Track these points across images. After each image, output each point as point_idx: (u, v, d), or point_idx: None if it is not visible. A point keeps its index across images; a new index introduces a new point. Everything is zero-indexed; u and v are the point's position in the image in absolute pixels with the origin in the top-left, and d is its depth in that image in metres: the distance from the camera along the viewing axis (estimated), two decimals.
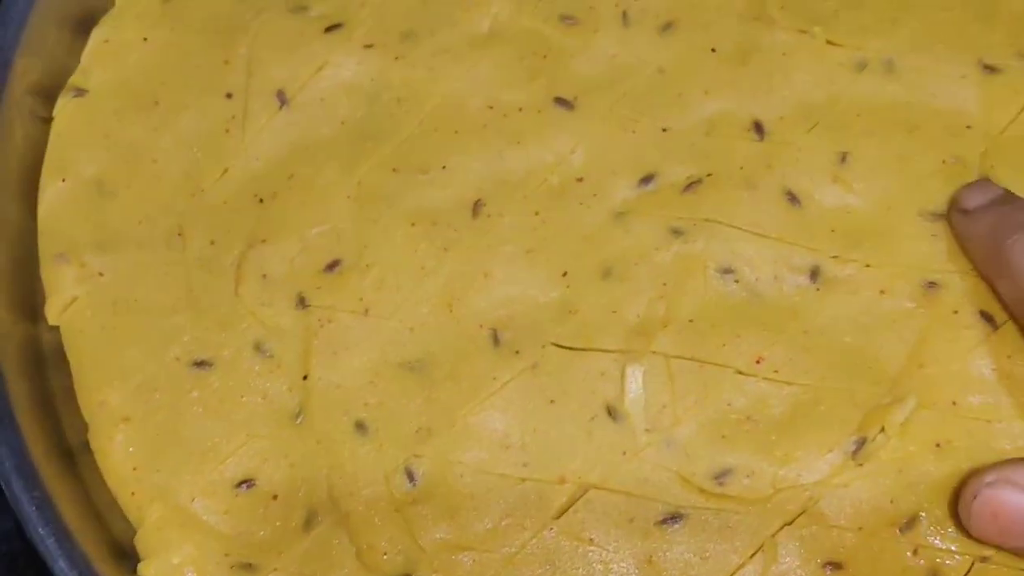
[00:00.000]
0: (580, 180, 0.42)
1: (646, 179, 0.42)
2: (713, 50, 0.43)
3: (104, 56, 0.46)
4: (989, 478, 0.36)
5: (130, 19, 0.47)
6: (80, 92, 0.46)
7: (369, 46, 0.45)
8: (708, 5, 0.44)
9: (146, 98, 0.45)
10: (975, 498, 0.36)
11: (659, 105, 0.43)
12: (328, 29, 0.45)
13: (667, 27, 0.44)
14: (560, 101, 0.43)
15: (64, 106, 0.45)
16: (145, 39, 0.46)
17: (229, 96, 0.45)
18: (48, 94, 0.46)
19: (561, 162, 0.43)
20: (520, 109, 0.43)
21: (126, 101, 0.45)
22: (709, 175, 0.42)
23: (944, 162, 0.41)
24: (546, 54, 0.44)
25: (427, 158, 0.43)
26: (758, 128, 0.42)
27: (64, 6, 0.46)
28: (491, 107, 0.44)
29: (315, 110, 0.44)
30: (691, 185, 0.42)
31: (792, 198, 0.41)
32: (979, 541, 0.37)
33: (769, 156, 0.42)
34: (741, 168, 0.42)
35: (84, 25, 0.47)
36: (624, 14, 0.44)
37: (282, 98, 0.44)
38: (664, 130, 0.43)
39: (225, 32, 0.46)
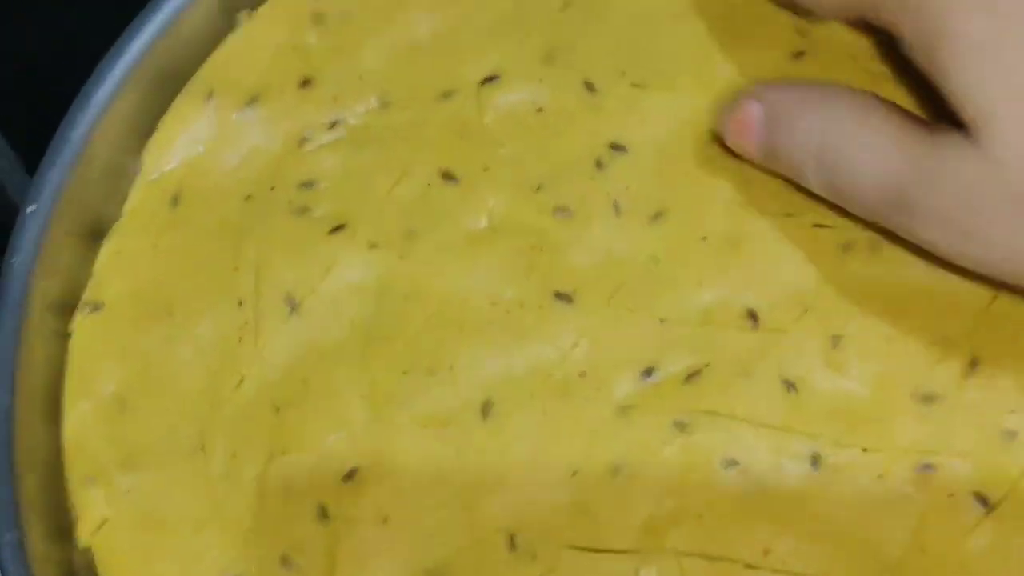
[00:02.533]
0: (583, 375, 0.43)
1: (647, 372, 0.43)
2: (704, 238, 0.44)
3: (116, 267, 0.47)
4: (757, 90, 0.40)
5: (139, 227, 0.47)
6: (96, 307, 0.46)
7: (374, 246, 0.45)
8: (697, 193, 0.44)
9: (160, 308, 0.46)
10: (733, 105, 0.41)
11: (655, 296, 0.43)
12: (333, 230, 0.46)
13: (657, 216, 0.44)
14: (560, 295, 0.44)
15: (81, 322, 0.46)
16: (155, 247, 0.47)
17: (240, 303, 0.45)
18: (66, 310, 0.46)
19: (564, 357, 0.43)
20: (521, 305, 0.44)
21: (141, 312, 0.46)
22: (707, 365, 0.42)
23: (933, 342, 0.42)
24: (543, 247, 0.45)
25: (435, 358, 0.44)
26: (752, 316, 0.43)
27: (76, 220, 0.46)
28: (494, 303, 0.44)
29: (325, 313, 0.45)
30: (691, 376, 0.42)
31: (789, 385, 0.42)
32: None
33: (764, 344, 0.42)
34: (738, 358, 0.42)
35: (97, 236, 0.47)
36: (615, 204, 0.45)
37: (292, 303, 0.45)
38: (662, 321, 0.43)
39: (233, 236, 0.46)
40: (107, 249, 0.47)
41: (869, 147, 0.39)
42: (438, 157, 0.46)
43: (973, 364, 0.41)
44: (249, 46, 0.49)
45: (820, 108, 0.40)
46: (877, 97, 0.41)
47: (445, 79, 0.47)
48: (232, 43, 0.49)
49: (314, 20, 0.49)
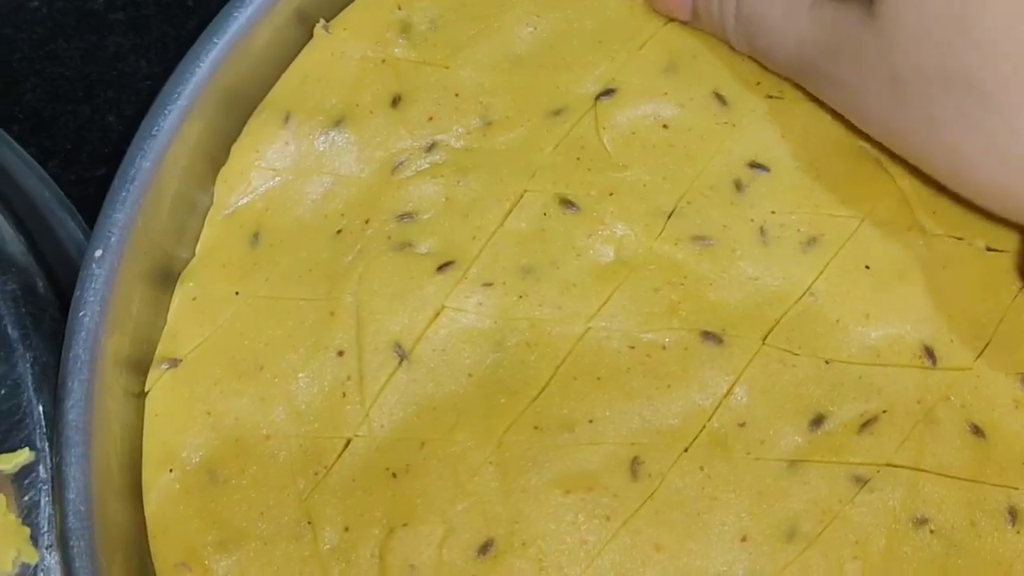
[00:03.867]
0: (743, 426, 0.38)
1: (816, 420, 0.38)
2: (867, 267, 0.39)
3: (194, 316, 0.41)
4: None
5: (216, 270, 0.41)
6: (173, 363, 0.40)
7: (488, 284, 0.40)
8: (853, 214, 0.39)
9: (248, 363, 0.40)
10: None
11: (817, 334, 0.38)
12: (440, 268, 0.40)
13: (811, 243, 0.39)
14: (708, 335, 0.39)
15: (157, 380, 0.40)
16: (237, 293, 0.41)
17: (341, 354, 0.40)
18: (139, 366, 0.40)
19: (718, 406, 0.38)
20: (664, 347, 0.39)
21: (226, 369, 0.40)
22: (884, 411, 0.37)
23: None
24: (683, 282, 0.39)
25: (571, 412, 0.38)
26: (929, 353, 0.38)
27: (146, 263, 0.40)
28: (632, 347, 0.39)
29: (438, 363, 0.39)
30: (866, 424, 0.37)
31: (976, 431, 0.37)
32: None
33: (945, 384, 0.38)
34: (918, 402, 0.37)
35: (169, 280, 0.41)
36: (762, 230, 0.40)
37: (400, 352, 0.39)
38: (827, 362, 0.38)
39: (326, 278, 0.41)
40: (182, 295, 0.41)
41: (783, 14, 0.37)
42: (554, 182, 0.41)
43: None
44: (330, 61, 0.43)
45: None
46: None
47: (555, 94, 0.42)
48: (310, 58, 0.43)
49: (401, 30, 0.43)
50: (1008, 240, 0.39)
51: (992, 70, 0.31)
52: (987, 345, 0.38)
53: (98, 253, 0.39)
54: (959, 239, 0.39)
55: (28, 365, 0.41)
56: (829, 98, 0.38)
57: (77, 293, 0.39)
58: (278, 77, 0.43)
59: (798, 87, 0.40)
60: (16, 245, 0.42)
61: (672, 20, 0.42)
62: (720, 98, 0.41)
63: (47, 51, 0.48)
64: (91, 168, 0.47)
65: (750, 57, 0.41)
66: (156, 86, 0.44)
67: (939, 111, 0.32)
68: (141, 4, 0.47)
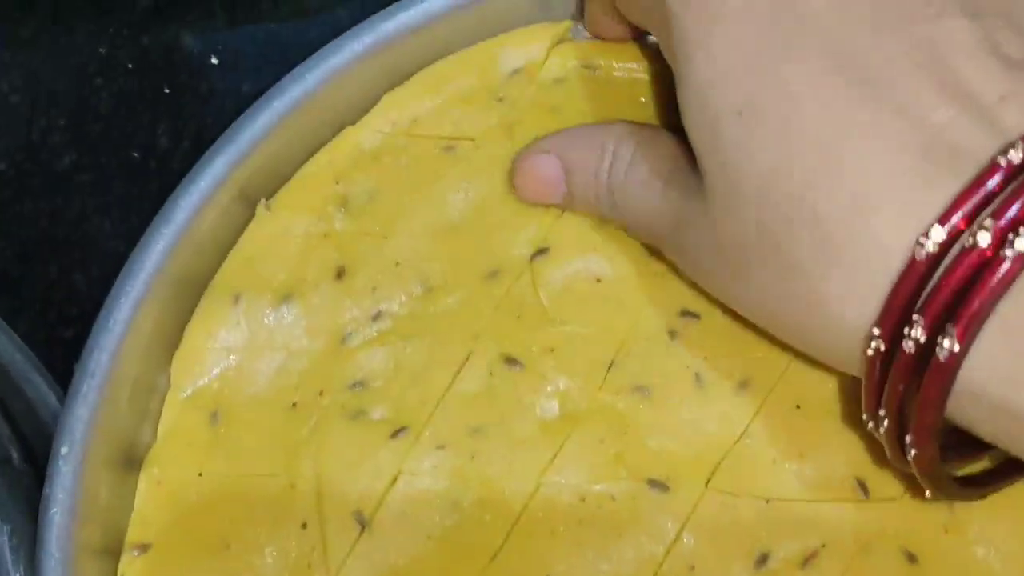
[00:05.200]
0: (692, 568, 0.40)
1: (761, 559, 0.40)
2: (797, 406, 0.41)
3: (160, 500, 0.42)
4: (545, 145, 0.42)
5: (179, 451, 0.43)
6: (143, 548, 0.42)
7: (441, 447, 0.42)
8: (780, 355, 0.42)
9: (215, 541, 0.41)
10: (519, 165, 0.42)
11: (756, 475, 0.40)
12: (394, 434, 0.42)
13: (743, 385, 0.42)
14: (653, 483, 0.41)
15: (129, 566, 0.41)
16: (200, 474, 0.42)
17: (304, 526, 0.41)
18: (112, 552, 0.41)
19: (668, 551, 0.40)
20: (613, 498, 0.41)
21: (194, 549, 0.41)
22: (823, 546, 0.40)
23: None
24: (626, 431, 0.41)
25: (528, 569, 0.40)
26: (862, 486, 0.40)
27: (111, 450, 0.42)
28: (583, 499, 0.41)
29: (398, 528, 0.41)
30: (808, 559, 0.40)
31: (911, 558, 0.39)
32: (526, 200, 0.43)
33: (879, 515, 0.40)
34: (855, 534, 0.40)
35: (133, 464, 0.43)
36: (697, 376, 0.42)
37: (361, 520, 0.41)
38: (767, 501, 0.40)
39: (285, 451, 0.42)
40: (147, 480, 0.42)
41: (642, 187, 0.39)
42: (497, 342, 0.43)
43: None
44: (273, 239, 0.45)
45: (606, 150, 0.40)
46: (660, 132, 0.41)
47: (490, 257, 0.44)
48: (255, 237, 0.45)
49: (339, 203, 0.45)
50: None
51: (797, 240, 0.33)
52: (915, 476, 0.40)
53: (64, 450, 0.40)
54: None
55: (5, 538, 0.42)
56: (679, 264, 0.40)
57: (47, 490, 0.40)
58: (225, 257, 0.45)
59: None
60: None
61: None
62: (647, 249, 0.43)
63: (13, 212, 0.49)
64: (60, 329, 0.48)
65: None
66: (120, 247, 0.46)
67: (758, 279, 0.35)
68: (105, 165, 0.49)
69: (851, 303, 0.33)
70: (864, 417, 0.36)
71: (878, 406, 0.34)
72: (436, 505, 0.41)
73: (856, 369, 0.35)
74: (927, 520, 0.39)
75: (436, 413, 0.42)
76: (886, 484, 0.40)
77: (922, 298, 0.31)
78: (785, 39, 0.34)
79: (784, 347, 0.41)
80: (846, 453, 0.40)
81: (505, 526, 0.40)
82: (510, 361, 0.42)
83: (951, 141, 0.31)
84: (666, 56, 0.38)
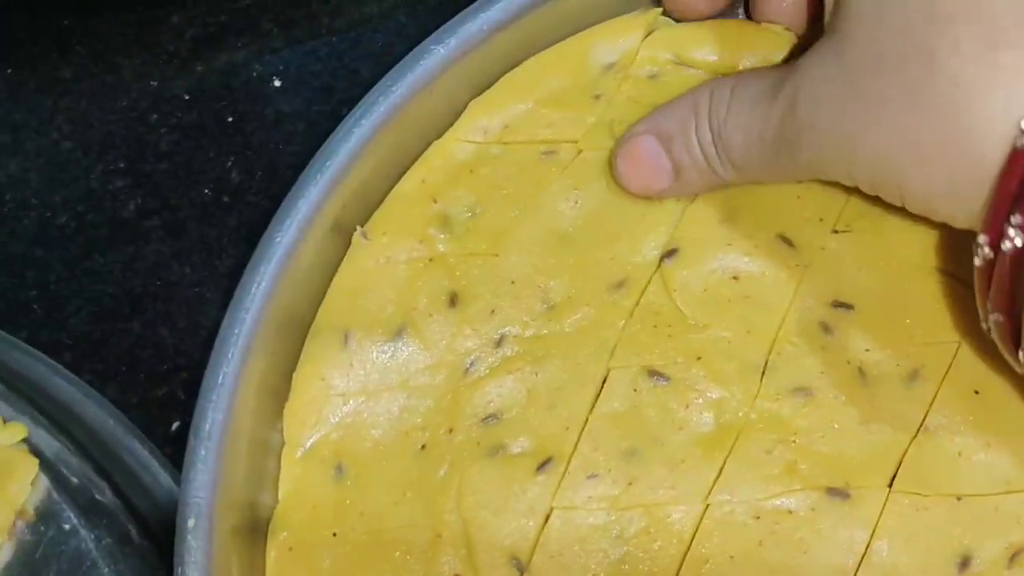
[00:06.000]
0: None
1: (963, 562, 0.37)
2: (976, 392, 0.38)
3: (294, 568, 0.39)
4: (639, 128, 0.40)
5: (306, 514, 0.39)
6: None
7: (593, 476, 0.38)
8: (949, 339, 0.39)
9: None
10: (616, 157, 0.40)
11: (942, 471, 0.37)
12: (539, 467, 0.39)
13: (914, 376, 0.39)
14: (833, 491, 0.38)
15: None
16: (334, 534, 0.39)
17: None
18: None
19: (861, 564, 0.37)
20: (790, 512, 0.38)
21: None
22: None
23: None
24: (793, 438, 0.38)
25: None
26: None
27: (233, 518, 0.38)
28: (758, 517, 0.38)
29: (560, 570, 0.38)
30: (1015, 556, 0.37)
31: None
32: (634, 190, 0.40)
33: None
34: None
35: (258, 531, 0.39)
36: (860, 371, 0.39)
37: (518, 565, 0.38)
38: (959, 499, 0.37)
39: (423, 499, 0.39)
40: (277, 547, 0.38)
41: (752, 103, 0.37)
42: (637, 355, 0.39)
43: None
44: (376, 269, 0.41)
45: (699, 104, 0.38)
46: (732, 76, 0.39)
47: (612, 266, 0.41)
48: (355, 269, 0.41)
49: (441, 223, 0.41)
50: None
51: (946, 38, 0.31)
52: None
53: (191, 523, 0.37)
54: None
55: None
56: (802, 144, 0.36)
57: (178, 569, 0.36)
58: (324, 294, 0.41)
59: (864, 217, 0.40)
60: (101, 491, 0.40)
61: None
62: (786, 240, 0.40)
63: (84, 268, 0.46)
64: (151, 389, 0.44)
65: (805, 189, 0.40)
66: (204, 293, 0.42)
67: (889, 91, 0.33)
68: (175, 207, 0.45)
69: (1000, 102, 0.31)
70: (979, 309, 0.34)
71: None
72: (597, 540, 0.38)
73: (977, 209, 0.32)
74: None
75: (582, 439, 0.39)
76: None
77: None
78: None
79: (952, 329, 0.38)
80: None
81: (677, 555, 0.37)
82: (654, 374, 0.39)
83: None
84: None
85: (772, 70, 0.38)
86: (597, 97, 0.42)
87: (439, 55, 0.41)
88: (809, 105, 0.35)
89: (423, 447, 0.39)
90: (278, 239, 0.39)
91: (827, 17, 0.35)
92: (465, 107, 0.43)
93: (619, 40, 0.43)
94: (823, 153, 0.35)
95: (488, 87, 0.43)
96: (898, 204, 0.34)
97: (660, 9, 0.43)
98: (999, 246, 0.31)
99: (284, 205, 0.40)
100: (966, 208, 0.32)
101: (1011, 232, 0.31)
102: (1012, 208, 0.31)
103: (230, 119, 0.46)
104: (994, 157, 0.31)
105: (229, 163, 0.45)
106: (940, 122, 0.32)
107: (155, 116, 0.46)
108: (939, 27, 0.31)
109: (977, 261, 0.32)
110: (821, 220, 0.40)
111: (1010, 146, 0.30)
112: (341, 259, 0.42)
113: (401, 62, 0.41)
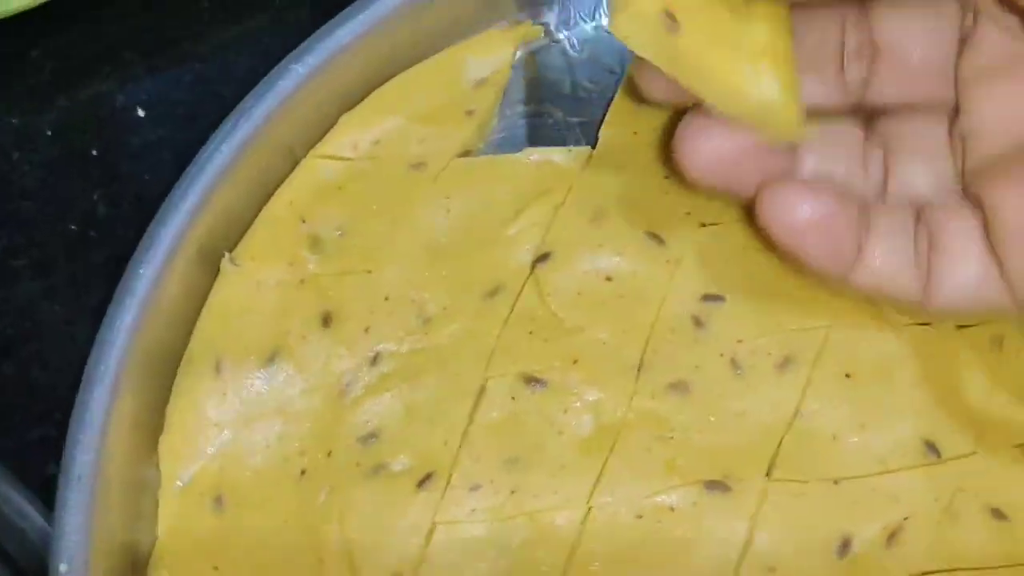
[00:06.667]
0: (772, 571, 0.37)
1: (843, 546, 0.37)
2: (847, 375, 0.38)
3: None
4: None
5: (186, 548, 0.39)
6: None
7: (476, 487, 0.38)
8: (819, 325, 0.39)
9: None
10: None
11: (817, 455, 0.38)
12: (420, 483, 0.38)
13: (785, 363, 0.39)
14: (712, 485, 0.38)
15: None
16: (216, 568, 0.38)
17: None
18: None
19: (743, 555, 0.37)
20: (672, 509, 0.38)
21: None
22: (906, 519, 0.37)
23: None
24: (671, 435, 0.38)
25: None
26: (932, 448, 0.38)
27: (110, 561, 0.38)
28: (640, 516, 0.38)
29: None
30: (892, 536, 0.37)
31: (998, 514, 0.37)
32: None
33: (956, 476, 0.37)
34: (935, 500, 0.37)
35: (138, 570, 0.39)
36: (733, 362, 0.39)
37: None
38: (836, 482, 0.37)
39: (304, 526, 0.38)
40: None
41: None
42: (513, 363, 0.39)
43: None
44: (246, 294, 0.41)
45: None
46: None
47: (487, 273, 0.40)
48: (224, 296, 0.41)
49: (310, 245, 0.41)
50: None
51: None
52: (984, 427, 0.37)
53: (63, 568, 0.36)
54: (926, 325, 0.38)
55: None
56: None
57: None
58: (194, 325, 0.41)
59: (731, 210, 0.40)
60: None
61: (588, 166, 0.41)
62: (655, 237, 0.40)
63: None
64: (26, 432, 0.44)
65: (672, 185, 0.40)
66: (75, 331, 0.41)
67: None
68: (43, 244, 0.44)
69: None
70: None
71: None
72: (483, 552, 0.37)
73: None
74: (1007, 471, 0.37)
75: (462, 452, 0.38)
76: (956, 441, 0.37)
77: None
78: None
79: (821, 315, 0.38)
80: (908, 416, 0.38)
81: (560, 562, 0.37)
82: (532, 381, 0.39)
83: None
84: None
85: None
86: (470, 113, 0.42)
87: (297, 74, 0.41)
88: None
89: (303, 472, 0.39)
90: (141, 271, 0.39)
91: None
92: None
93: (491, 55, 0.43)
94: None
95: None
96: None
97: (530, 22, 0.43)
98: None
99: (146, 236, 0.39)
100: None
101: None
102: None
103: (95, 152, 0.45)
104: None
105: (95, 196, 0.45)
106: None
107: (17, 154, 0.45)
108: None
109: None
110: (688, 214, 0.40)
111: None
112: (211, 287, 0.41)
113: (259, 84, 0.41)
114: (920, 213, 0.35)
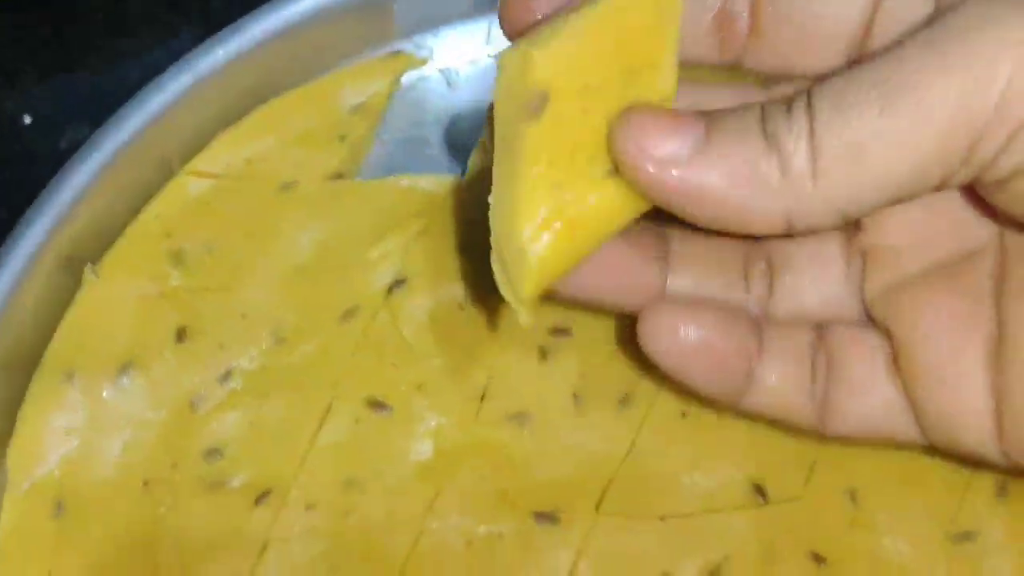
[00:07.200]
0: None
1: None
2: (683, 414, 0.39)
3: None
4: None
5: (22, 553, 0.39)
6: None
7: (311, 507, 0.39)
8: (627, 363, 0.40)
9: None
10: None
11: (649, 492, 0.38)
12: (258, 500, 0.39)
13: (625, 400, 0.39)
14: (541, 516, 0.38)
15: None
16: (50, 573, 0.39)
17: None
18: None
19: None
20: (501, 537, 0.38)
21: None
22: (727, 558, 0.37)
23: (953, 471, 0.38)
24: (508, 464, 0.39)
25: None
26: (759, 491, 0.38)
27: None
28: (470, 543, 0.38)
29: None
30: (712, 573, 0.37)
31: (817, 558, 0.37)
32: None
33: (781, 519, 0.38)
34: (758, 542, 0.37)
35: None
36: (575, 396, 0.39)
37: None
38: (662, 519, 0.38)
39: (142, 537, 0.39)
40: None
41: None
42: (360, 386, 0.40)
43: (1002, 489, 0.38)
44: (105, 306, 0.41)
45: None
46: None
47: (344, 296, 0.41)
48: (83, 307, 0.41)
49: (173, 260, 0.42)
50: None
51: None
52: (812, 469, 0.38)
53: None
54: None
55: None
56: None
57: None
58: (53, 333, 0.41)
59: None
60: None
61: (454, 193, 0.42)
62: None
63: None
64: None
65: None
66: None
67: None
68: None
69: None
70: None
71: None
72: (314, 570, 0.38)
73: None
74: (831, 518, 0.37)
75: (302, 471, 0.39)
76: (784, 485, 0.38)
77: None
78: None
79: None
80: (739, 458, 0.38)
81: None
82: (376, 405, 0.39)
83: None
84: None
85: None
86: (343, 137, 0.43)
87: (171, 90, 0.42)
88: None
89: (145, 483, 0.39)
90: (1, 275, 0.39)
91: None
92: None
93: (369, 82, 0.44)
94: None
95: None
96: None
97: (413, 52, 0.44)
98: None
99: (8, 242, 0.40)
100: None
101: None
102: None
103: None
104: None
105: None
106: None
107: None
108: None
109: None
110: None
111: None
112: (74, 296, 0.41)
113: (136, 95, 0.42)
114: (819, 333, 0.33)
